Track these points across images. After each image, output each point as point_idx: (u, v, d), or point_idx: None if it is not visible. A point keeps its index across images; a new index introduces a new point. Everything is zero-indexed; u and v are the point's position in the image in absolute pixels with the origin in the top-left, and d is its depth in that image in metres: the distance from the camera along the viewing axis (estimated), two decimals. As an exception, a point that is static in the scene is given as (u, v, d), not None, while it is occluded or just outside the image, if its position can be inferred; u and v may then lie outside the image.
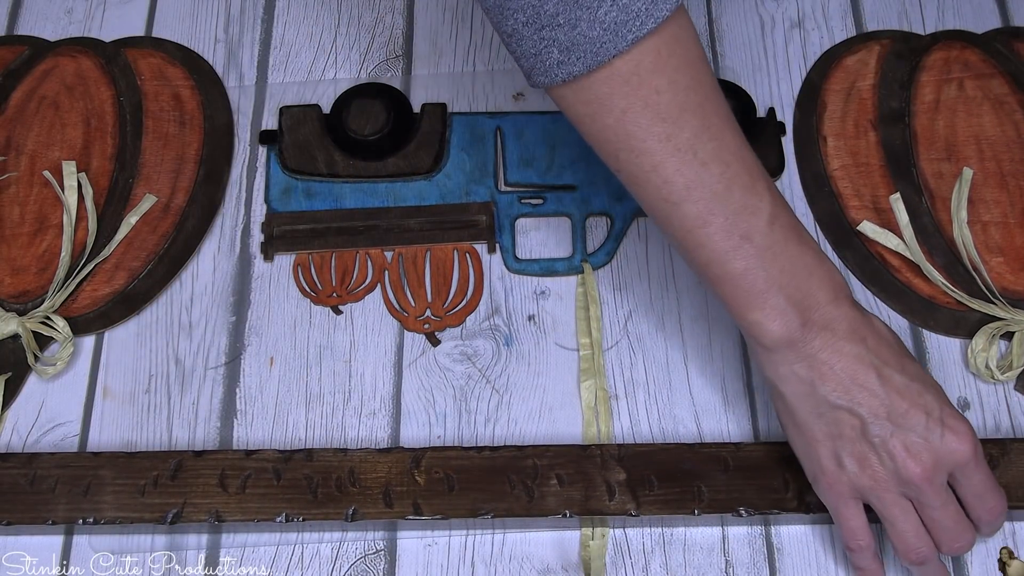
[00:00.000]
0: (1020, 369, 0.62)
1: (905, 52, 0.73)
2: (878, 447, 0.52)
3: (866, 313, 0.54)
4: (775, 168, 0.69)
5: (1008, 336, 0.63)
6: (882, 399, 0.52)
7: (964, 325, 0.64)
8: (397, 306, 0.66)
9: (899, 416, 0.52)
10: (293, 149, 0.70)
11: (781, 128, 0.71)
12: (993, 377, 0.62)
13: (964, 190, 0.66)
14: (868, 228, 0.65)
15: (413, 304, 0.66)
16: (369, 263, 0.67)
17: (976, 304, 0.63)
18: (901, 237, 0.65)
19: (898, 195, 0.65)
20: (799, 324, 0.52)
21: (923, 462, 0.51)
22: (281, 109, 0.71)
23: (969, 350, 0.62)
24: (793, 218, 0.53)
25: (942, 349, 0.64)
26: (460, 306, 0.66)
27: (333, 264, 0.67)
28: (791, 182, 0.69)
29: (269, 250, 0.67)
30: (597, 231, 0.68)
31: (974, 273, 0.64)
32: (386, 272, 0.67)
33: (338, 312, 0.66)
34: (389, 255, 0.67)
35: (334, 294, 0.66)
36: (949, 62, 0.72)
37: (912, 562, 0.54)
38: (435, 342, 0.65)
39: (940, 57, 0.72)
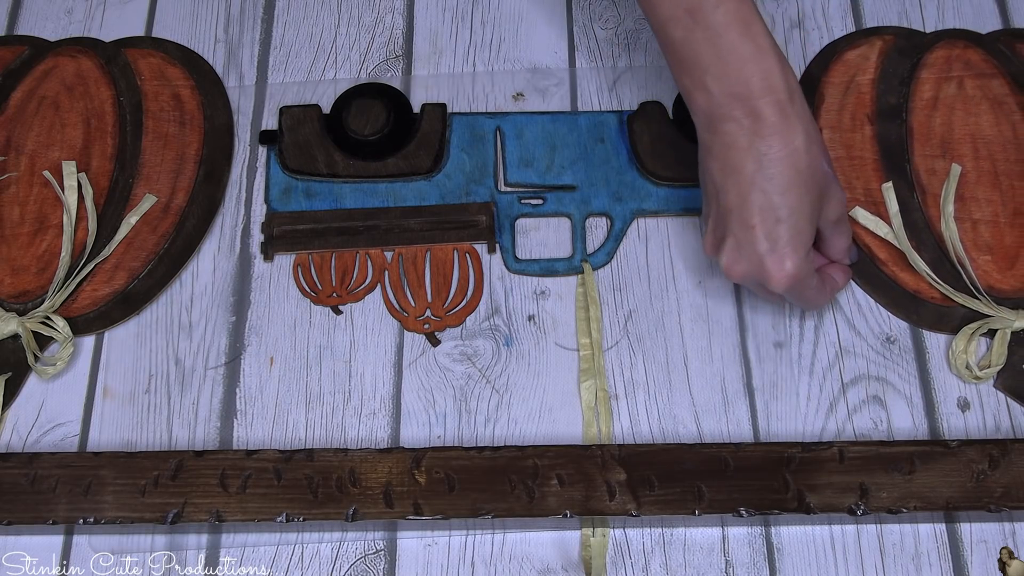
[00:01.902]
0: (999, 367, 0.62)
1: (907, 49, 0.73)
2: (724, 233, 0.57)
3: (794, 126, 0.55)
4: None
5: (991, 334, 0.63)
6: (740, 203, 0.56)
7: (948, 320, 0.64)
8: (397, 306, 0.66)
9: (744, 226, 0.56)
10: (293, 149, 0.70)
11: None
12: (974, 376, 0.62)
13: (952, 185, 0.66)
14: (860, 214, 0.67)
15: (413, 304, 0.66)
16: (369, 263, 0.67)
17: (961, 298, 0.64)
18: (890, 225, 0.66)
19: (890, 184, 0.67)
20: (720, 104, 0.55)
21: (740, 268, 0.57)
22: (281, 109, 0.71)
23: (950, 352, 0.63)
24: (745, 9, 0.55)
25: (942, 349, 0.64)
26: (460, 306, 0.66)
27: (333, 264, 0.67)
28: (790, 182, 0.69)
29: (269, 250, 0.67)
30: (597, 231, 0.68)
31: (959, 268, 0.64)
32: (386, 272, 0.67)
33: (338, 312, 0.66)
34: (389, 255, 0.67)
35: (334, 294, 0.66)
36: (951, 60, 0.72)
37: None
38: (435, 342, 0.65)
39: (942, 55, 0.72)
